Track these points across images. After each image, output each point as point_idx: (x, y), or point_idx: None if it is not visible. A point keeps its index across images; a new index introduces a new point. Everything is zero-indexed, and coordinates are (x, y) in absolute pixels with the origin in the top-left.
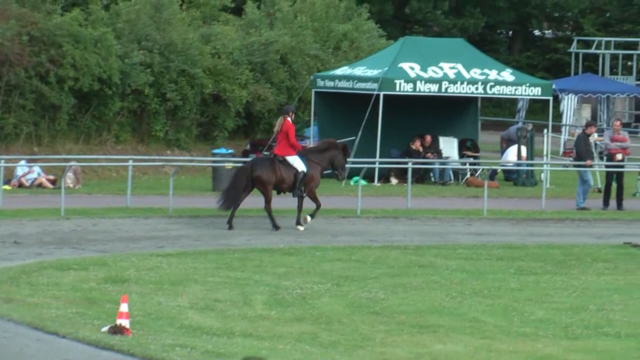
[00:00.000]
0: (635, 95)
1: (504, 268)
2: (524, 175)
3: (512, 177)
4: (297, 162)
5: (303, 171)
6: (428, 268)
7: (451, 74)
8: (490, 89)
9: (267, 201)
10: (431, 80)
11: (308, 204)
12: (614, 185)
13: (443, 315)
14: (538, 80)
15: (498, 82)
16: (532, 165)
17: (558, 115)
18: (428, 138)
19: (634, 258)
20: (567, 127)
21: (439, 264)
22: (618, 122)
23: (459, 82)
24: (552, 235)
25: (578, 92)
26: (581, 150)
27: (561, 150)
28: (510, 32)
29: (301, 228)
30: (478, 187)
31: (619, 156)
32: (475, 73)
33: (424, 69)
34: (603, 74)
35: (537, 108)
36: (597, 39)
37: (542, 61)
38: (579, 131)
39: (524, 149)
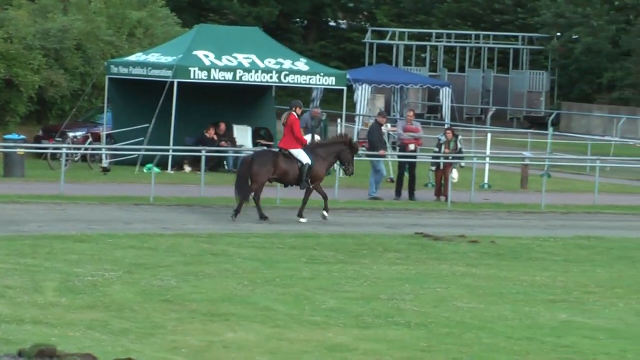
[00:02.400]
0: (429, 87)
1: (296, 257)
2: None
3: None
4: (301, 155)
5: (308, 164)
6: (221, 256)
7: (246, 63)
8: (285, 78)
9: (256, 193)
10: (226, 69)
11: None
12: (407, 175)
13: (235, 304)
14: (332, 70)
15: (293, 72)
16: None
17: (352, 105)
18: (222, 126)
19: (425, 248)
20: (361, 117)
21: (231, 253)
22: (411, 113)
23: (253, 71)
24: (345, 225)
25: (372, 83)
26: (374, 140)
27: (355, 140)
28: (306, 22)
29: (303, 220)
30: None
31: (412, 147)
32: (270, 62)
33: (218, 57)
34: (397, 65)
35: (331, 98)
36: (391, 29)
37: (337, 51)
38: (372, 121)
39: (317, 138)
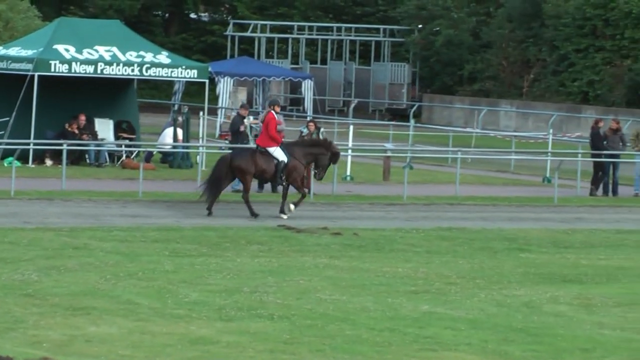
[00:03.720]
0: (291, 79)
1: (159, 250)
2: (180, 158)
3: (168, 159)
4: (277, 153)
5: (283, 161)
6: (82, 250)
7: (107, 56)
8: (147, 71)
9: (246, 190)
10: (87, 62)
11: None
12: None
13: (97, 298)
14: (194, 63)
15: (154, 64)
16: (188, 147)
17: (214, 98)
18: (82, 117)
19: (287, 240)
20: (223, 110)
21: (93, 246)
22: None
23: (115, 64)
24: (207, 217)
25: (234, 75)
26: (236, 132)
27: (217, 132)
28: (167, 14)
29: (284, 216)
30: (134, 169)
31: None
32: (132, 55)
33: (79, 51)
34: (259, 57)
35: (193, 90)
36: (252, 22)
37: (198, 44)
38: (234, 114)
39: (180, 131)
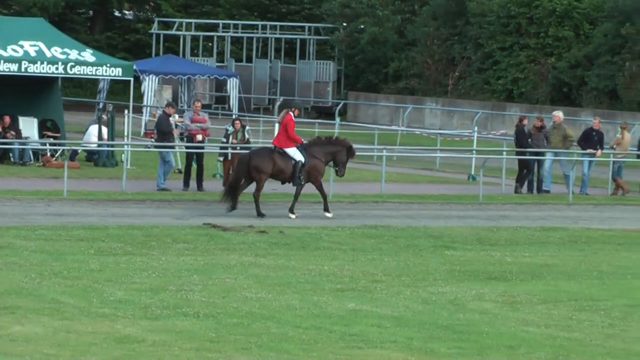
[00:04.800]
0: (216, 77)
1: (84, 249)
2: (105, 156)
3: (93, 157)
4: (294, 153)
5: (300, 161)
6: (7, 249)
7: (32, 53)
8: (71, 69)
9: (258, 189)
10: (11, 60)
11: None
12: (194, 166)
13: (22, 297)
14: (119, 61)
15: (79, 62)
16: (113, 146)
17: (139, 96)
18: (7, 119)
19: (213, 239)
20: (149, 108)
21: (18, 245)
22: (198, 103)
23: (39, 62)
24: (133, 216)
25: (159, 73)
26: (163, 131)
27: (142, 131)
28: (91, 12)
29: (293, 216)
30: (58, 168)
31: (199, 137)
32: (56, 52)
33: (3, 48)
34: (184, 56)
35: (118, 89)
36: (177, 20)
37: (123, 42)
38: (160, 112)
39: (104, 130)
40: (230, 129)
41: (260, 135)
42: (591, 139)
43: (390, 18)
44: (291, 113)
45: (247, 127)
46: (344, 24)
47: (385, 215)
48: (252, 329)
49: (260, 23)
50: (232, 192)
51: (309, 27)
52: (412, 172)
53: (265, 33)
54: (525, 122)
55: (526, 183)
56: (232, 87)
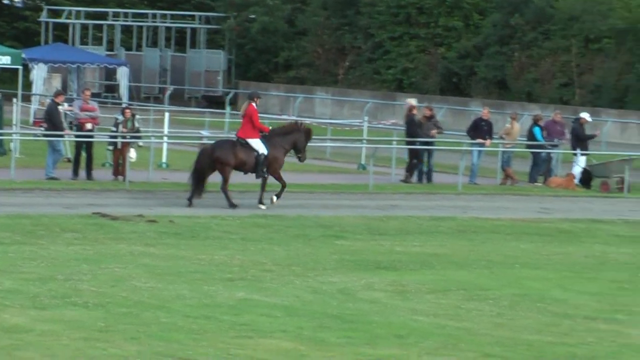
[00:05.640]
0: (106, 66)
1: None
2: None
3: None
4: (258, 145)
5: (263, 153)
6: None
7: None
8: None
9: (224, 181)
10: None
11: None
12: (84, 155)
13: None
14: (7, 49)
15: None
16: (1, 134)
17: (28, 85)
18: None
19: (102, 228)
20: (38, 97)
21: None
22: (87, 92)
23: None
24: (21, 205)
25: (48, 62)
26: (53, 120)
27: (31, 119)
28: None
29: (263, 207)
30: None
31: (89, 126)
32: None
33: None
34: (73, 44)
35: (6, 77)
36: (67, 8)
37: (11, 30)
38: (49, 101)
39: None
40: (120, 117)
41: (151, 124)
42: (480, 129)
43: (280, 7)
44: (253, 103)
45: (137, 116)
46: (235, 13)
47: (276, 205)
48: (142, 319)
49: (150, 12)
50: (195, 181)
51: (200, 16)
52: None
53: (156, 22)
54: (415, 111)
55: (416, 172)
56: (122, 75)
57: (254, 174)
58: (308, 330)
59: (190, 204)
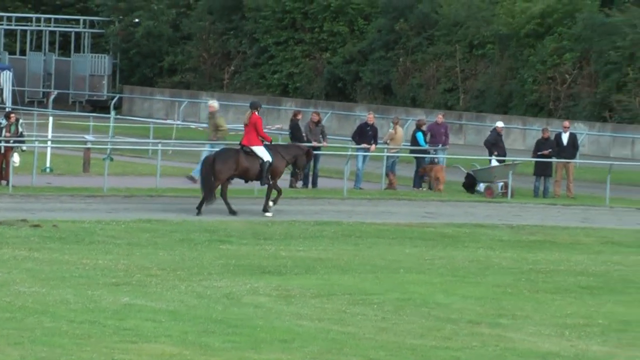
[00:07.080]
0: None
1: None
2: None
3: None
4: (263, 153)
5: (269, 161)
6: None
7: None
8: None
9: (222, 191)
10: None
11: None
12: None
13: None
14: None
15: None
16: None
17: None
18: None
19: None
20: None
21: None
22: None
23: None
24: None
25: None
26: None
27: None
28: None
29: (269, 214)
30: None
31: None
32: None
33: None
34: None
35: None
36: None
37: None
38: None
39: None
40: (4, 122)
41: (35, 128)
42: (365, 134)
43: (165, 12)
44: (256, 112)
45: (21, 121)
46: (119, 17)
47: (161, 210)
48: (25, 324)
49: (34, 15)
50: (208, 191)
51: (84, 20)
52: (187, 166)
53: (40, 26)
54: (300, 116)
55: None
56: (6, 80)
57: (252, 182)
58: (192, 335)
59: (199, 213)
